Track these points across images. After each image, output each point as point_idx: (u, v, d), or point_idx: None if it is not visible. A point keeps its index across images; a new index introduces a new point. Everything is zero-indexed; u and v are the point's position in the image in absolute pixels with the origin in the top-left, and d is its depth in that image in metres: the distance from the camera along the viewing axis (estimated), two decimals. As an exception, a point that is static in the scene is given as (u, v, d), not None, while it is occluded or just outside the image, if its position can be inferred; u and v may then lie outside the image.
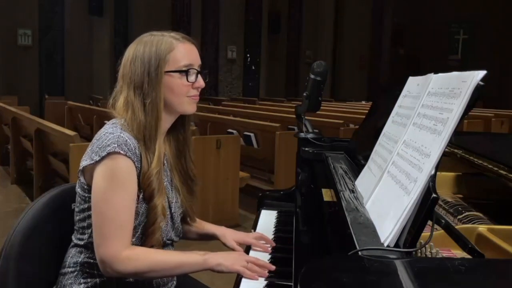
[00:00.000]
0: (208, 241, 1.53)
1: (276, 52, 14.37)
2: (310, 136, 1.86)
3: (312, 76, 1.82)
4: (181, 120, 1.38)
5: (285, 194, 1.84)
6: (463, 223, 1.16)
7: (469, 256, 0.88)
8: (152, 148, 1.24)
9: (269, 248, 1.41)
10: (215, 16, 12.59)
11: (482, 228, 1.05)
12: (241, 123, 5.33)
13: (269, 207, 1.81)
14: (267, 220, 1.69)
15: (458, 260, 0.79)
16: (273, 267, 1.22)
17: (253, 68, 13.81)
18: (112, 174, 1.19)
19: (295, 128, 2.23)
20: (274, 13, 14.06)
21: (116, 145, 1.19)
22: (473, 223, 1.14)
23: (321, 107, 1.93)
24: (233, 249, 1.42)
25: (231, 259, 1.22)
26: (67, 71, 10.81)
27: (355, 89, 15.45)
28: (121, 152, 1.19)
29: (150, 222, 1.25)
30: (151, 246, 1.26)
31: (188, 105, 1.31)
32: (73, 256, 1.30)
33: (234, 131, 5.13)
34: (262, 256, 1.34)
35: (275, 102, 10.44)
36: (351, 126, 5.43)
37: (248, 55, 13.59)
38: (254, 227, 1.64)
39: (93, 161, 1.21)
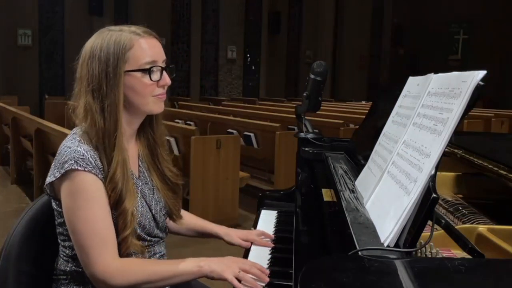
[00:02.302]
0: (208, 239, 1.53)
1: (276, 52, 14.36)
2: (310, 136, 1.86)
3: (312, 76, 1.82)
4: (149, 120, 1.33)
5: (285, 194, 1.84)
6: (463, 223, 1.16)
7: (469, 256, 0.88)
8: (113, 152, 1.19)
9: (271, 243, 1.42)
10: (215, 16, 12.59)
11: (482, 228, 1.05)
12: (241, 123, 5.33)
13: (269, 207, 1.81)
14: (267, 220, 1.69)
15: (458, 260, 0.79)
16: (267, 274, 1.18)
17: (253, 68, 13.80)
18: (76, 192, 1.16)
19: (295, 128, 2.23)
20: (274, 13, 14.05)
21: (73, 162, 1.15)
22: (473, 223, 1.14)
23: (321, 107, 1.93)
24: (239, 246, 1.42)
25: (223, 266, 1.17)
26: (67, 71, 10.79)
27: (355, 89, 15.45)
28: (79, 168, 1.15)
29: (120, 229, 1.19)
30: (130, 254, 1.22)
31: (154, 105, 1.25)
32: (61, 265, 1.28)
33: (234, 131, 5.13)
34: (262, 256, 1.35)
35: (275, 102, 10.44)
36: (351, 126, 5.43)
37: (248, 55, 13.58)
38: (254, 227, 1.64)
39: (55, 178, 1.18)
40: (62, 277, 1.28)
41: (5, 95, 8.93)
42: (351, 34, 15.57)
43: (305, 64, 14.34)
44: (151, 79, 1.22)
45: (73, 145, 1.18)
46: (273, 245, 1.41)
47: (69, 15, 10.67)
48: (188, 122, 5.89)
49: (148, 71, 1.21)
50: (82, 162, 1.16)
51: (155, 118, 1.34)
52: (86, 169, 1.16)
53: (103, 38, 1.21)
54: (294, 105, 2.21)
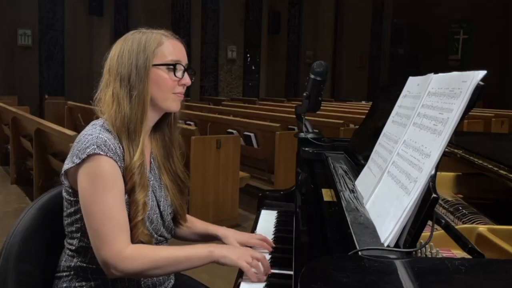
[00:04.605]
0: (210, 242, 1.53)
1: (276, 52, 14.37)
2: (310, 136, 1.86)
3: (312, 76, 1.82)
4: (167, 120, 1.37)
5: (285, 194, 1.84)
6: (463, 222, 1.16)
7: (469, 256, 0.88)
8: (136, 141, 1.23)
9: (271, 248, 1.41)
10: (215, 16, 12.59)
11: (482, 228, 1.05)
12: (241, 123, 5.33)
13: (269, 207, 1.81)
14: (267, 220, 1.69)
15: (458, 260, 0.79)
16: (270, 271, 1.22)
17: (253, 68, 13.81)
18: (95, 176, 1.18)
19: (295, 128, 2.23)
20: (274, 13, 14.05)
21: (95, 146, 1.18)
22: (473, 223, 1.14)
23: (321, 107, 1.93)
24: None
25: (237, 253, 1.21)
26: (67, 71, 10.80)
27: (355, 89, 15.45)
28: (101, 152, 1.18)
29: (131, 217, 1.22)
30: (139, 242, 1.23)
31: (173, 102, 1.30)
32: (66, 260, 1.29)
33: (234, 131, 5.13)
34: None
35: (275, 102, 10.44)
36: (351, 126, 5.42)
37: (248, 55, 13.58)
38: (254, 227, 1.64)
39: (74, 164, 1.19)
40: (65, 273, 1.28)
41: (5, 95, 8.93)
42: (351, 34, 15.57)
43: (305, 64, 14.34)
44: (175, 75, 1.28)
45: (95, 133, 1.22)
46: (271, 250, 1.41)
47: (69, 15, 10.68)
48: (188, 122, 5.89)
49: (173, 67, 1.28)
50: (104, 147, 1.19)
51: (173, 119, 1.38)
52: (108, 154, 1.19)
53: (134, 37, 1.29)
54: (294, 105, 2.21)
